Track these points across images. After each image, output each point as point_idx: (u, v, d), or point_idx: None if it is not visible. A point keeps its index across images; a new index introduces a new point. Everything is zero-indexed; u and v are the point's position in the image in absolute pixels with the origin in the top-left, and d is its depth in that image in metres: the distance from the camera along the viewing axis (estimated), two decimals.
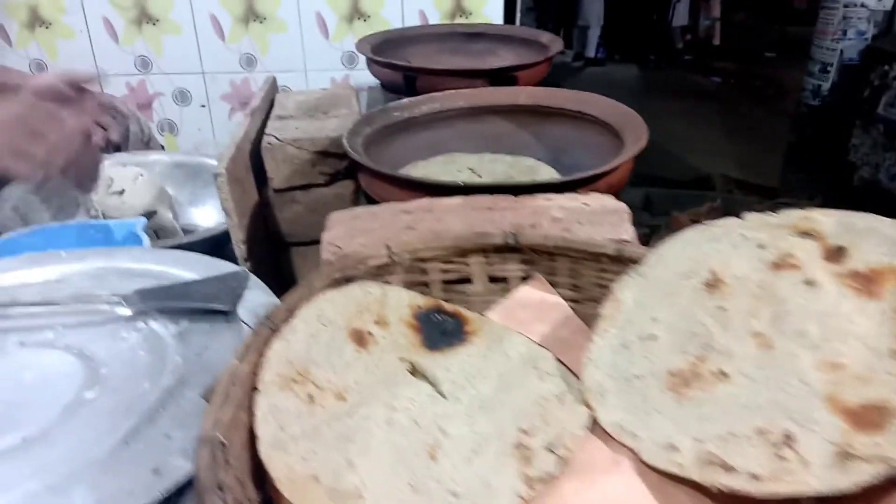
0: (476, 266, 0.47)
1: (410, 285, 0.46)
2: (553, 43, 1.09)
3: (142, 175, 0.92)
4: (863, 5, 3.79)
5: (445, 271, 0.47)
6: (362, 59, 1.42)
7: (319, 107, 0.92)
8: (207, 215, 1.02)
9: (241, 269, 0.56)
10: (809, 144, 3.30)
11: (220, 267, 0.58)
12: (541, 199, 0.53)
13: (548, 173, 0.77)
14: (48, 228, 0.70)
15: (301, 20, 1.38)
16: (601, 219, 0.51)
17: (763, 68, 5.31)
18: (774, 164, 3.12)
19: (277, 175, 0.82)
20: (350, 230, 0.51)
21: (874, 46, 3.03)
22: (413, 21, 1.40)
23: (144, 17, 1.36)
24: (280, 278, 0.88)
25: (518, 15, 1.42)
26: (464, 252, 0.47)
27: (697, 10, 5.80)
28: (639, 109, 0.71)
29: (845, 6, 3.18)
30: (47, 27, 1.37)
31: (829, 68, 3.16)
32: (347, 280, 0.44)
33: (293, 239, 0.86)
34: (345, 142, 0.68)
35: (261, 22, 1.38)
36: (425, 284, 0.47)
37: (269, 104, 0.96)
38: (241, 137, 0.80)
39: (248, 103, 1.43)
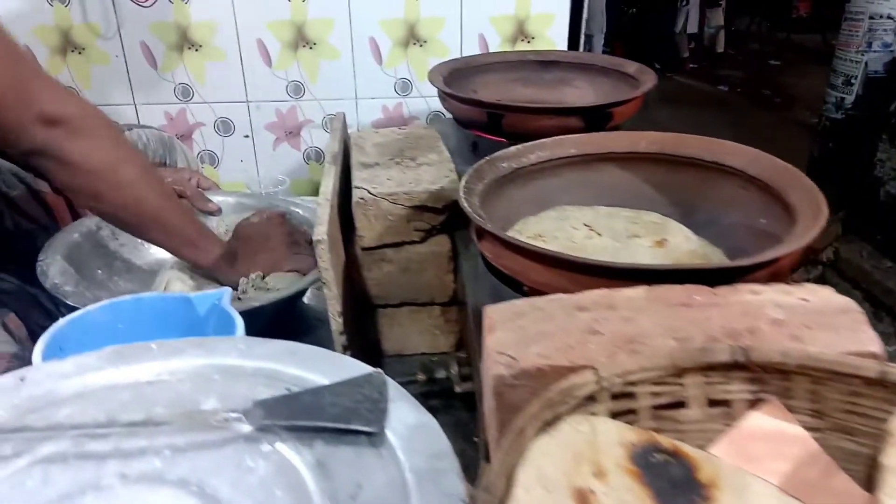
0: (694, 388, 0.38)
1: (616, 414, 0.38)
2: (643, 75, 1.00)
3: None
4: (889, 17, 3.71)
5: (656, 394, 0.38)
6: (417, 86, 1.34)
7: (404, 151, 0.83)
8: None
9: (376, 371, 0.47)
10: (832, 158, 3.23)
11: (346, 365, 0.49)
12: (746, 293, 0.44)
13: (679, 231, 0.69)
14: (120, 304, 0.61)
15: (353, 46, 1.30)
16: (832, 321, 0.42)
17: (769, 76, 5.30)
18: None
19: (369, 232, 0.73)
20: (519, 334, 0.42)
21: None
22: (472, 45, 1.32)
23: (187, 43, 1.28)
24: (363, 342, 0.79)
25: (582, 38, 1.34)
26: (680, 371, 0.38)
27: (702, 18, 5.76)
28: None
29: (870, 18, 3.10)
30: (80, 52, 1.29)
31: (853, 81, 3.08)
32: (556, 417, 0.35)
33: (381, 301, 0.77)
34: (465, 204, 0.59)
35: (311, 48, 1.29)
36: (633, 412, 0.38)
37: (344, 147, 0.88)
38: (331, 191, 0.71)
39: (293, 132, 1.35)
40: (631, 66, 1.05)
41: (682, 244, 0.67)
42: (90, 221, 0.86)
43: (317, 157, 1.40)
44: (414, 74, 1.33)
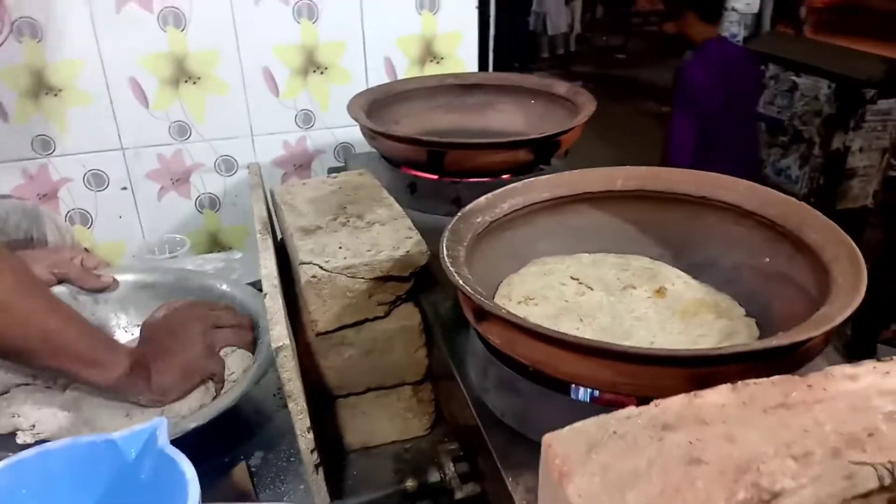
0: None
1: None
2: (577, 96, 0.94)
3: None
4: (734, 9, 4.02)
5: None
6: (320, 117, 1.22)
7: (345, 207, 0.71)
8: None
9: None
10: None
11: None
12: (842, 379, 0.38)
13: (675, 276, 0.62)
14: (22, 463, 0.46)
15: (244, 77, 1.15)
16: None
17: (616, 70, 5.76)
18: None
19: (324, 315, 0.61)
20: (605, 478, 0.33)
21: (747, 48, 3.18)
22: (378, 69, 1.21)
23: (43, 88, 1.07)
24: (321, 441, 0.66)
25: (491, 56, 1.27)
26: None
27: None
28: None
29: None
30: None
31: None
32: None
33: (343, 391, 0.65)
34: (458, 280, 0.49)
35: (194, 83, 1.13)
36: None
37: (264, 202, 0.74)
38: (275, 273, 0.58)
39: (181, 179, 1.18)
40: (561, 87, 0.99)
41: (683, 292, 0.61)
42: None
43: (211, 204, 1.23)
44: (316, 105, 1.20)
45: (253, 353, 0.70)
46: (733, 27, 4.06)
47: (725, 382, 0.39)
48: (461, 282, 0.49)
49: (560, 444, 0.35)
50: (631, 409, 0.37)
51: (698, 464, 0.34)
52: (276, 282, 0.57)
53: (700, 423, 0.36)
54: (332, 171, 1.11)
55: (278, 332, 0.50)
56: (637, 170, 0.66)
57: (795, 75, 2.86)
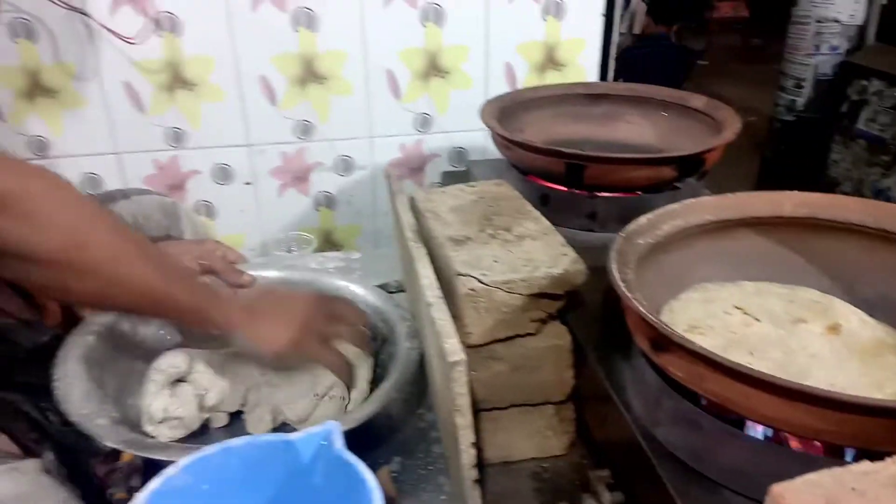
0: None
1: None
2: (717, 111, 0.91)
3: None
4: (836, 20, 3.81)
5: None
6: (438, 121, 1.22)
7: (491, 218, 0.71)
8: None
9: None
10: (785, 159, 3.27)
11: None
12: None
13: (850, 312, 0.59)
14: (204, 460, 0.47)
15: (368, 79, 1.16)
16: None
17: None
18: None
19: (478, 327, 0.60)
20: None
21: (849, 62, 3.01)
22: (498, 75, 1.20)
23: (178, 82, 1.11)
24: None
25: (612, 60, 1.24)
26: None
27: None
28: None
29: (818, 21, 3.16)
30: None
31: (803, 83, 3.13)
32: None
33: (488, 405, 0.64)
34: (639, 307, 0.47)
35: (321, 83, 1.15)
36: None
37: (409, 209, 0.75)
38: (436, 283, 0.58)
39: (301, 177, 1.21)
40: (698, 101, 0.96)
41: (860, 330, 0.57)
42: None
43: (328, 202, 1.25)
44: (435, 108, 1.21)
45: (365, 353, 0.70)
46: (834, 39, 3.85)
47: None
48: (642, 309, 0.48)
49: (794, 497, 0.33)
50: (867, 465, 0.35)
51: None
52: (439, 292, 0.57)
53: None
54: (446, 175, 1.12)
55: (452, 346, 0.50)
56: (808, 196, 0.63)
57: None
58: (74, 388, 0.61)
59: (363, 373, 0.70)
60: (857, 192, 2.95)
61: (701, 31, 6.31)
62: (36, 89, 1.08)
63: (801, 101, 3.12)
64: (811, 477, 0.34)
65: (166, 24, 1.07)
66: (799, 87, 3.15)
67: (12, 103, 1.09)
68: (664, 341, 0.48)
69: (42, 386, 0.64)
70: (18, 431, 0.66)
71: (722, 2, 6.41)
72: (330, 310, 0.71)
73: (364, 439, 0.68)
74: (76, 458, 0.64)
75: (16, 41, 1.04)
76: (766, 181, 3.11)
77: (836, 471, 0.35)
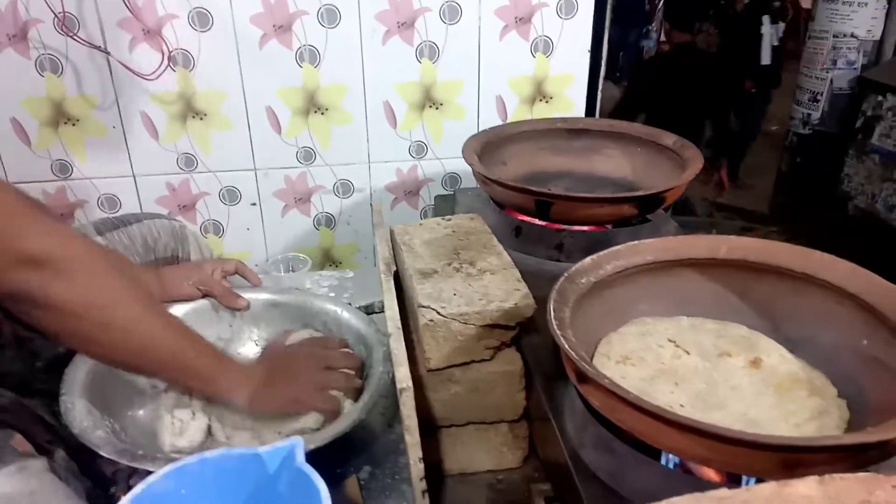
0: None
1: None
2: (684, 150, 0.97)
3: None
4: (853, 35, 3.80)
5: None
6: (432, 148, 1.29)
7: (459, 252, 0.78)
8: None
9: None
10: (800, 172, 3.28)
11: None
12: None
13: (773, 348, 0.65)
14: (184, 468, 0.55)
15: (367, 110, 1.24)
16: None
17: None
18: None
19: (436, 354, 0.68)
20: None
21: (865, 77, 3.02)
22: (490, 107, 1.27)
23: (191, 112, 1.20)
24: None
25: (599, 93, 1.30)
26: None
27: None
28: None
29: (835, 37, 3.17)
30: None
31: (819, 97, 3.14)
32: None
33: (446, 422, 0.72)
34: (565, 345, 0.54)
35: (322, 113, 1.23)
36: None
37: (388, 242, 0.82)
38: (398, 314, 0.65)
39: (303, 199, 1.29)
40: (668, 138, 1.02)
41: (778, 365, 0.63)
42: None
43: (327, 222, 1.34)
44: (430, 136, 1.28)
45: (355, 400, 0.75)
46: (851, 54, 3.84)
47: (812, 468, 0.42)
48: (567, 346, 0.55)
49: None
50: (724, 491, 0.41)
51: None
52: (399, 324, 0.64)
53: None
54: (439, 198, 1.19)
55: (402, 374, 0.57)
56: (742, 240, 0.69)
57: None
58: (78, 400, 0.69)
59: (346, 404, 0.77)
60: (870, 208, 2.96)
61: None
62: (60, 118, 1.18)
63: (816, 115, 3.13)
64: (674, 500, 0.41)
65: (180, 60, 1.16)
66: (815, 100, 3.17)
67: (38, 130, 1.19)
68: (585, 375, 0.54)
69: (57, 393, 0.73)
70: (34, 433, 0.75)
71: None
72: (326, 361, 0.77)
73: (337, 454, 0.76)
74: (89, 457, 0.72)
75: (43, 75, 1.14)
76: (783, 193, 3.13)
77: (697, 495, 0.41)
